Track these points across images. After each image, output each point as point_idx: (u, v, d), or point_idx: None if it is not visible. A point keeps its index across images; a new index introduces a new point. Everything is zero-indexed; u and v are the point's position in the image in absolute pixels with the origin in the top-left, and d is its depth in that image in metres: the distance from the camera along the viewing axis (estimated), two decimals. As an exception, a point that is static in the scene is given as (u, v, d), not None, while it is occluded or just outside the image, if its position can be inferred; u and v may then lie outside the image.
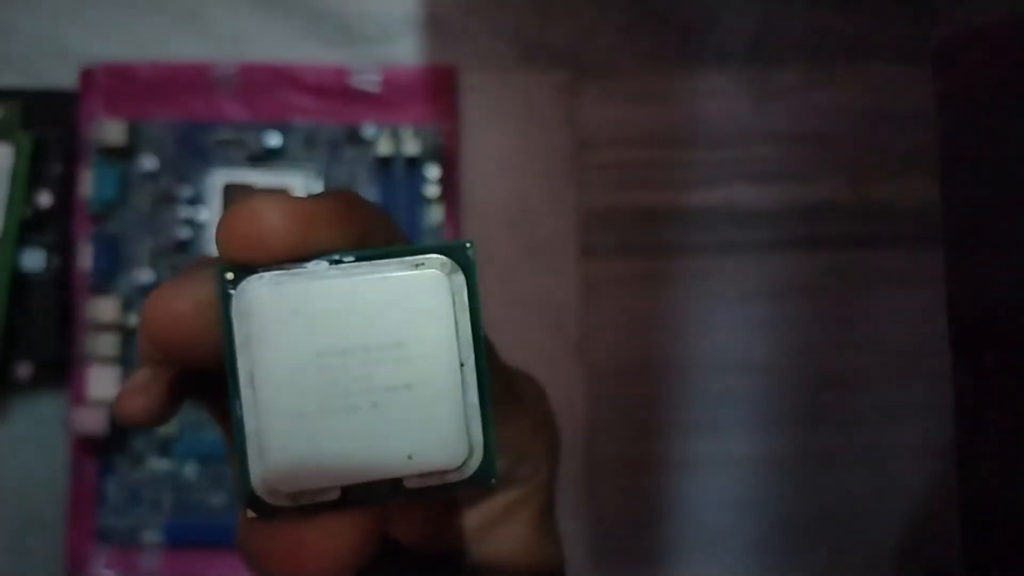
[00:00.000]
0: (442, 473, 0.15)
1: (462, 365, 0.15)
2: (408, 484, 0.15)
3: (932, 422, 0.32)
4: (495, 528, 0.19)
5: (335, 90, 0.32)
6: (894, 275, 0.33)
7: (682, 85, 0.33)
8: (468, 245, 0.15)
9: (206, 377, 0.17)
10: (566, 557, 0.21)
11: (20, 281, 0.31)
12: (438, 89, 0.32)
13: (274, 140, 0.32)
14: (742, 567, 0.32)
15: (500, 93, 0.33)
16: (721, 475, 0.32)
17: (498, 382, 0.17)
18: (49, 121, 0.31)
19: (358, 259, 0.14)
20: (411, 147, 0.32)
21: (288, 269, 0.14)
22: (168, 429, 0.31)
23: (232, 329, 0.14)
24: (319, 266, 0.14)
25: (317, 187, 0.31)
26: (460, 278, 0.15)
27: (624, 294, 0.33)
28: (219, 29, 0.33)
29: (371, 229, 0.15)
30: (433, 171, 0.32)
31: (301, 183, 0.31)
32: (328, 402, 0.14)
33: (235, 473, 0.16)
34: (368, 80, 0.32)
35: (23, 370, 0.31)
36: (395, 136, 0.32)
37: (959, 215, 0.22)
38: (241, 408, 0.14)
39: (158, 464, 0.31)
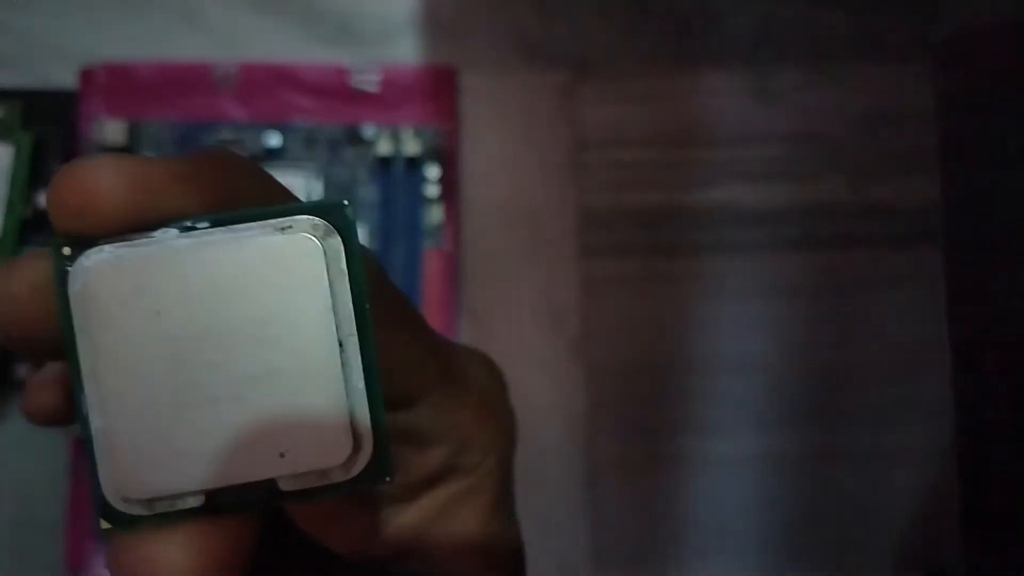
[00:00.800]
0: (323, 472, 0.13)
1: (341, 345, 0.13)
2: (283, 486, 0.13)
3: (932, 422, 0.32)
4: (439, 524, 0.17)
5: (335, 90, 0.32)
6: (894, 275, 0.33)
7: (682, 85, 0.33)
8: (345, 203, 0.13)
9: None
10: (557, 564, 0.20)
11: (20, 281, 0.31)
12: (438, 89, 0.32)
13: (274, 140, 0.32)
14: (742, 567, 0.32)
15: (500, 93, 0.33)
16: (721, 475, 0.32)
17: (434, 363, 0.16)
18: (49, 121, 0.31)
19: (213, 224, 0.12)
20: (411, 147, 0.32)
21: (132, 240, 0.12)
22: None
23: (70, 312, 0.12)
24: (167, 234, 0.12)
25: (317, 187, 0.31)
26: (336, 241, 0.13)
27: (624, 294, 0.33)
28: (219, 29, 0.33)
29: (239, 193, 0.13)
30: (433, 171, 0.32)
31: (301, 183, 0.31)
32: (183, 394, 0.12)
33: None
34: (368, 80, 0.32)
35: (23, 370, 0.31)
36: (395, 136, 0.32)
37: (959, 215, 0.22)
38: (86, 404, 0.12)
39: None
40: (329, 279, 0.12)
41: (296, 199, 0.14)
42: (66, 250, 0.12)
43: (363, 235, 0.31)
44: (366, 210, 0.32)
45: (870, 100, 0.33)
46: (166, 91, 0.32)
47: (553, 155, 0.33)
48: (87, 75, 0.32)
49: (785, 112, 0.33)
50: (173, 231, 0.12)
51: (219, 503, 0.13)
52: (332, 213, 0.13)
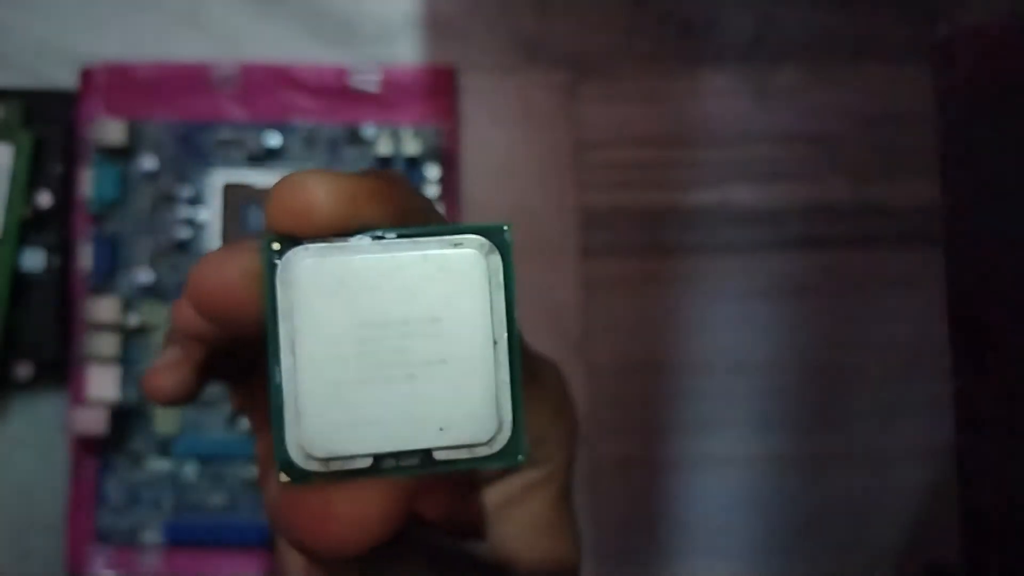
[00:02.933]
0: (471, 447, 0.15)
1: (495, 343, 0.15)
2: (438, 456, 0.15)
3: (932, 422, 0.32)
4: (513, 508, 0.20)
5: (335, 90, 0.32)
6: (894, 275, 0.33)
7: (682, 85, 0.33)
8: (505, 228, 0.15)
9: (232, 359, 0.18)
10: (582, 540, 0.21)
11: (20, 281, 0.31)
12: (438, 89, 0.32)
13: (274, 140, 0.32)
14: (742, 567, 0.32)
15: (500, 93, 0.33)
16: (721, 475, 0.32)
17: (522, 365, 0.18)
18: (49, 121, 0.31)
19: (400, 236, 0.15)
20: (411, 147, 0.32)
21: (332, 242, 0.15)
22: (168, 429, 0.31)
23: (276, 297, 0.14)
24: (362, 241, 0.15)
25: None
26: (496, 259, 0.15)
27: (624, 294, 0.33)
28: (219, 29, 0.33)
29: (411, 208, 0.16)
30: (433, 171, 0.32)
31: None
32: (365, 372, 0.14)
33: (260, 447, 0.18)
34: (368, 80, 0.32)
35: (23, 370, 0.31)
36: (395, 136, 0.32)
37: (959, 215, 0.22)
38: (281, 374, 0.14)
39: (158, 464, 0.31)
40: (489, 289, 0.15)
41: (443, 218, 0.17)
42: (276, 245, 0.14)
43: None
44: (366, 210, 0.32)
45: (870, 100, 0.33)
46: (166, 91, 0.32)
47: (553, 155, 0.33)
48: (87, 75, 0.32)
49: (785, 112, 0.33)
50: (367, 239, 0.15)
51: (383, 466, 0.15)
52: (495, 235, 0.15)
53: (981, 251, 0.21)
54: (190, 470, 0.31)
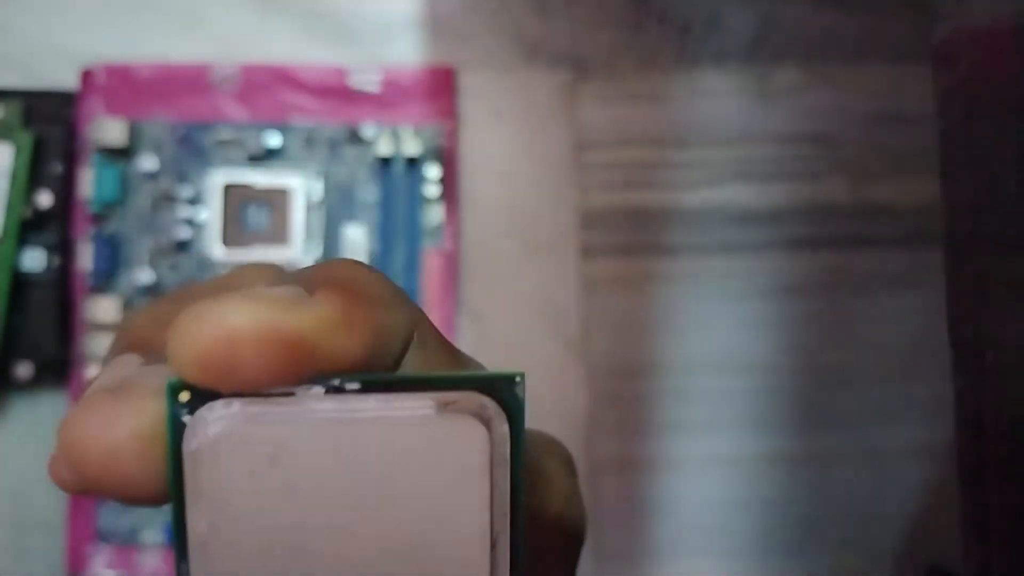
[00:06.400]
0: None
1: (493, 545, 0.11)
2: None
3: (932, 422, 0.32)
4: None
5: (335, 90, 0.32)
6: (894, 275, 0.33)
7: (682, 85, 0.33)
8: (517, 380, 0.11)
9: None
10: None
11: (20, 281, 0.31)
12: (438, 89, 0.32)
13: (274, 140, 0.32)
14: (741, 567, 0.32)
15: (500, 93, 0.33)
16: (721, 475, 0.32)
17: (525, 463, 0.15)
18: (49, 121, 0.31)
19: (365, 387, 0.11)
20: (411, 147, 0.32)
21: (267, 396, 0.10)
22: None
23: (181, 473, 0.10)
24: (311, 393, 0.10)
25: (317, 187, 0.31)
26: (503, 427, 0.11)
27: (624, 294, 0.33)
28: (219, 29, 0.33)
29: (389, 332, 0.11)
30: (433, 171, 0.32)
31: (301, 183, 0.31)
32: None
33: None
34: (368, 80, 0.32)
35: (23, 370, 0.31)
36: (395, 136, 0.32)
37: (959, 215, 0.22)
38: None
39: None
40: (491, 469, 0.11)
41: (435, 330, 0.13)
42: (184, 396, 0.10)
43: (363, 235, 0.31)
44: (366, 210, 0.32)
45: (870, 100, 0.33)
46: (166, 91, 0.32)
47: (553, 155, 0.33)
48: (87, 75, 0.32)
49: (785, 112, 0.33)
50: (318, 389, 0.10)
51: None
52: (503, 389, 0.11)
53: (981, 251, 0.21)
54: (190, 470, 0.31)
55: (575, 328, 0.32)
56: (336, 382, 0.11)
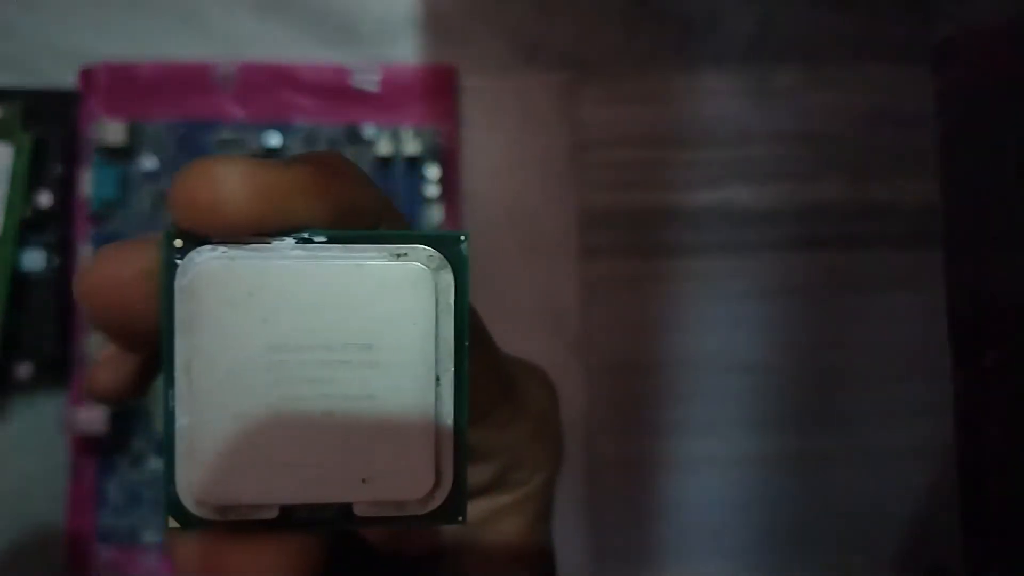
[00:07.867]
0: (400, 503, 0.13)
1: (438, 380, 0.12)
2: (359, 512, 0.13)
3: (932, 422, 0.32)
4: (479, 533, 0.18)
5: (335, 90, 0.32)
6: (894, 275, 0.33)
7: (682, 85, 0.33)
8: (463, 238, 0.13)
9: None
10: (558, 563, 0.20)
11: (20, 281, 0.31)
12: (438, 89, 0.32)
13: (274, 140, 0.32)
14: (741, 567, 0.32)
15: (500, 93, 0.33)
16: (721, 475, 0.32)
17: (498, 382, 0.16)
18: (49, 121, 0.31)
19: (330, 240, 0.12)
20: (411, 147, 0.32)
21: (247, 244, 0.12)
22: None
23: (173, 305, 0.12)
24: (284, 244, 0.12)
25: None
26: (448, 276, 0.13)
27: (624, 294, 0.33)
28: (219, 29, 0.33)
29: (356, 204, 0.13)
30: (433, 171, 0.32)
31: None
32: (276, 405, 0.12)
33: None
34: (368, 80, 0.32)
35: (23, 370, 0.31)
36: (395, 136, 0.32)
37: (959, 215, 0.22)
38: (174, 399, 0.12)
39: (158, 464, 0.31)
40: (436, 312, 0.12)
41: (400, 216, 0.14)
42: (178, 242, 0.12)
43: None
44: (366, 210, 0.32)
45: (870, 100, 0.33)
46: (166, 91, 0.32)
47: (553, 155, 0.33)
48: (87, 75, 0.32)
49: (785, 112, 0.33)
50: (289, 241, 0.12)
51: (292, 518, 0.13)
52: (448, 246, 0.12)
53: (981, 251, 0.21)
54: (190, 470, 0.31)
55: (575, 328, 0.32)
56: (306, 234, 0.12)
